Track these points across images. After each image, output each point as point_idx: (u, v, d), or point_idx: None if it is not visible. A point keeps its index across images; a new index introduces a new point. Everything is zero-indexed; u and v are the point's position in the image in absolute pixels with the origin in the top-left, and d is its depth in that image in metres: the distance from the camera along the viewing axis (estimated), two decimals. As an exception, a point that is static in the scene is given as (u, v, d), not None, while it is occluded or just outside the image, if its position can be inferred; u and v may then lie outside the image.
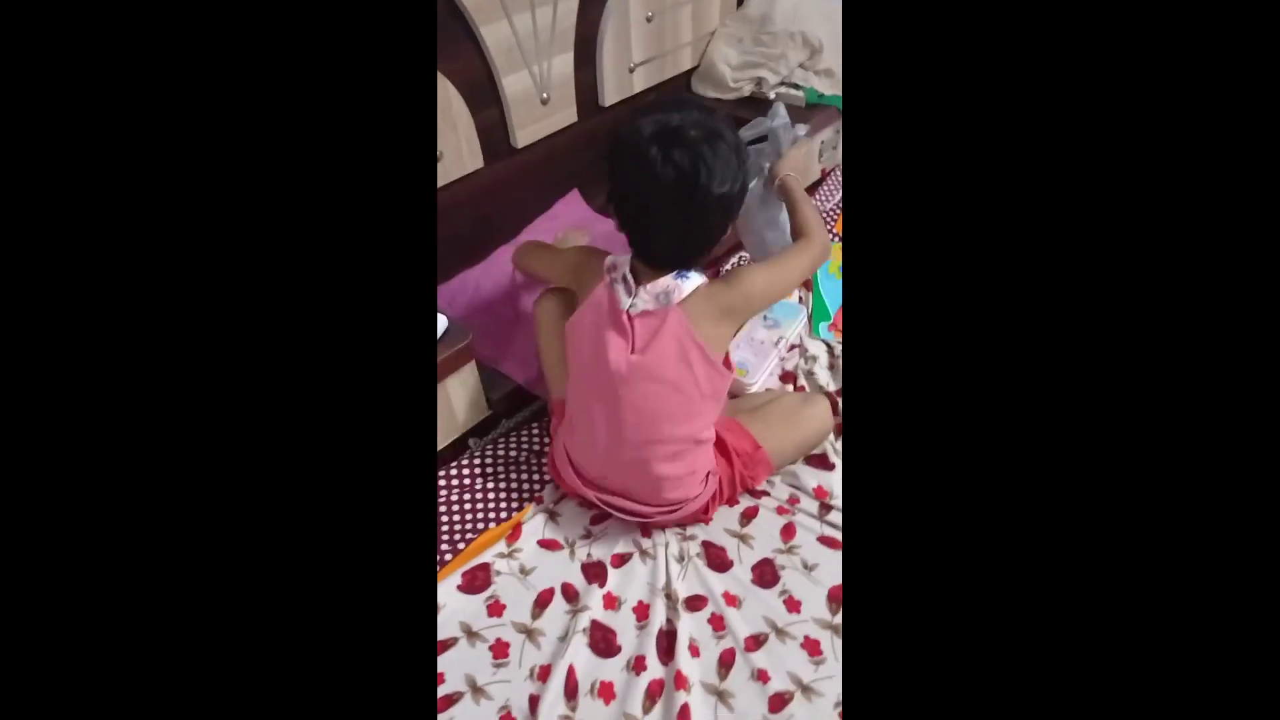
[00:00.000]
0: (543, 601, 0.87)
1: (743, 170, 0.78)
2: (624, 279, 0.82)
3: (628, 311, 0.81)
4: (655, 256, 0.82)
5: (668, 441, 0.83)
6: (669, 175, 0.73)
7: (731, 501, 0.94)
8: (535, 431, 1.08)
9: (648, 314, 0.81)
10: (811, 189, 1.56)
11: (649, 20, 1.33)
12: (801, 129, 1.09)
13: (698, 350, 0.81)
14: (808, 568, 0.87)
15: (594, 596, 0.86)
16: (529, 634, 0.83)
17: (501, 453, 1.05)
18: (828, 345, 1.16)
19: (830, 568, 0.86)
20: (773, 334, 1.18)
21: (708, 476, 0.88)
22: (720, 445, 0.89)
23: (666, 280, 0.81)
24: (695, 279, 0.82)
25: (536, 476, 1.01)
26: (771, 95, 1.46)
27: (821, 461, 0.98)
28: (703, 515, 0.91)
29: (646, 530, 0.92)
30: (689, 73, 1.51)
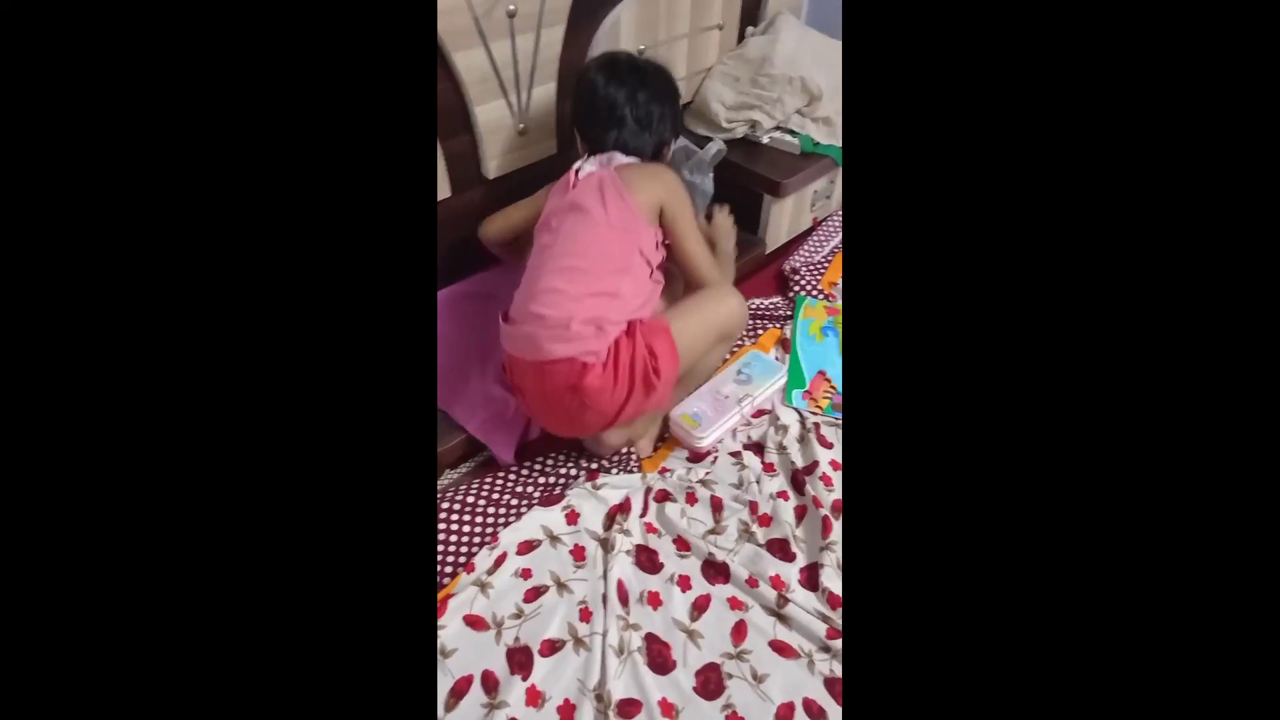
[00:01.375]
0: (459, 691, 0.78)
1: (675, 90, 1.07)
2: (582, 155, 1.03)
3: (576, 172, 0.99)
4: (608, 149, 1.01)
5: (571, 255, 0.92)
6: (620, 79, 1.00)
7: (636, 385, 0.89)
8: (476, 487, 0.99)
9: (591, 174, 0.98)
10: (801, 238, 1.49)
11: (641, 53, 1.27)
12: (713, 146, 1.26)
13: (614, 187, 0.95)
14: (757, 679, 0.78)
15: (515, 690, 0.77)
16: (439, 730, 0.74)
17: (446, 505, 0.96)
18: (800, 415, 1.09)
19: (781, 680, 0.77)
20: (740, 390, 1.10)
21: (603, 323, 0.88)
22: (629, 326, 0.93)
23: (613, 153, 1.01)
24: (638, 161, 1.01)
25: (478, 536, 0.93)
26: (765, 139, 1.40)
27: (782, 550, 0.90)
28: (583, 375, 0.87)
29: (583, 616, 0.84)
30: (681, 109, 1.45)
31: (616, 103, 1.00)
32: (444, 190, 1.11)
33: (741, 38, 1.47)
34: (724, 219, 1.16)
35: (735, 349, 1.20)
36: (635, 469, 1.03)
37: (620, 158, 1.00)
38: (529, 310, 0.91)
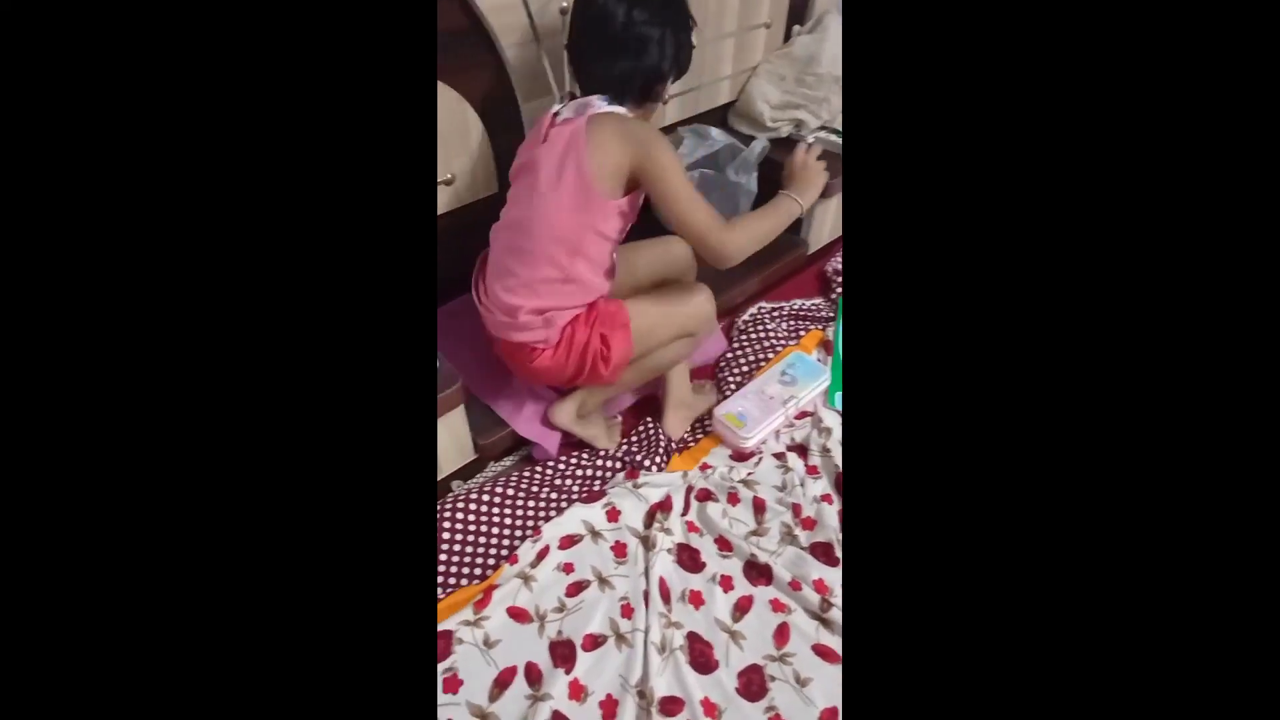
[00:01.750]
0: (503, 681, 0.79)
1: (683, 16, 0.90)
2: (562, 98, 0.95)
3: (554, 116, 0.90)
4: (593, 81, 0.90)
5: (519, 233, 0.89)
6: (611, 6, 0.86)
7: (585, 369, 0.92)
8: (515, 480, 1.00)
9: (567, 121, 0.87)
10: (833, 245, 1.48)
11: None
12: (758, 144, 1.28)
13: (576, 150, 0.85)
14: (800, 682, 0.77)
15: (559, 683, 0.78)
16: (483, 719, 0.75)
17: (488, 497, 0.97)
18: (843, 417, 1.07)
19: (825, 685, 0.77)
20: (785, 391, 1.10)
21: (551, 315, 0.89)
22: (591, 306, 0.93)
23: (593, 97, 0.89)
24: (620, 109, 0.89)
25: (518, 529, 0.94)
26: (810, 139, 1.38)
27: (826, 554, 0.89)
28: (533, 358, 0.91)
29: (625, 612, 0.84)
30: (725, 107, 1.44)
31: (614, 17, 0.84)
32: (491, 186, 1.12)
33: (788, 36, 1.46)
34: (809, 159, 0.98)
35: (774, 353, 1.19)
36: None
37: (599, 104, 0.87)
38: (490, 280, 0.94)
